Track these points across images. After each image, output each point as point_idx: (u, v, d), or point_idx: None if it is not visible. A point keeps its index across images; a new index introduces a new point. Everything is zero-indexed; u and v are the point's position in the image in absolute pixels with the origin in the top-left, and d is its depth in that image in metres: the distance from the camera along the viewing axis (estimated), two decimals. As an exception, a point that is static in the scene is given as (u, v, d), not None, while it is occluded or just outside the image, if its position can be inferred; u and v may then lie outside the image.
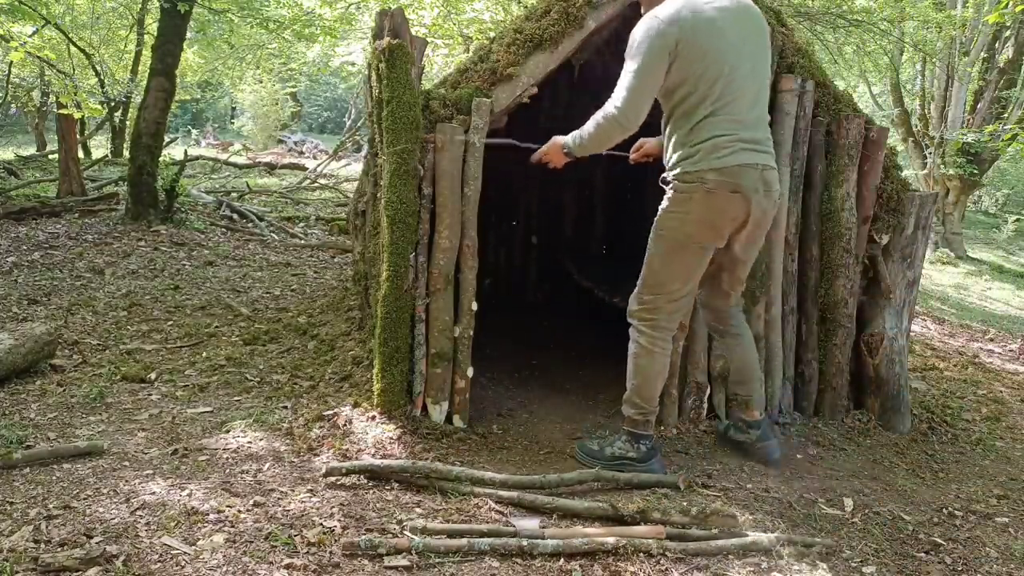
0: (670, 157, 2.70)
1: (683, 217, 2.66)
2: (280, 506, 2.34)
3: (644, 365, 2.81)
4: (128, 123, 13.13)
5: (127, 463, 2.62)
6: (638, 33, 2.57)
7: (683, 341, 3.35)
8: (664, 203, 2.72)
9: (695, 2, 2.57)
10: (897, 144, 12.82)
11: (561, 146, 2.86)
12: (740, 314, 3.04)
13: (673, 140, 2.68)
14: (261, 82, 19.92)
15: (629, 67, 2.58)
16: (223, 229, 7.54)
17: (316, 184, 11.89)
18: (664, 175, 2.73)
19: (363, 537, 2.16)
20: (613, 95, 2.62)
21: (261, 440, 2.86)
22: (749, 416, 3.03)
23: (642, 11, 2.71)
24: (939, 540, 2.52)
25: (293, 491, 2.45)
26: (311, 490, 2.47)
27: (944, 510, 2.77)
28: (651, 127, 2.77)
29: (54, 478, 2.46)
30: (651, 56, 2.54)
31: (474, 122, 3.09)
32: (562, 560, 2.16)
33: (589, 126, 2.71)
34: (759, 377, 3.03)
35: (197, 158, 13.34)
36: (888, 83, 13.29)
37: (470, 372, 3.15)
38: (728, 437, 3.13)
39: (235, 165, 14.06)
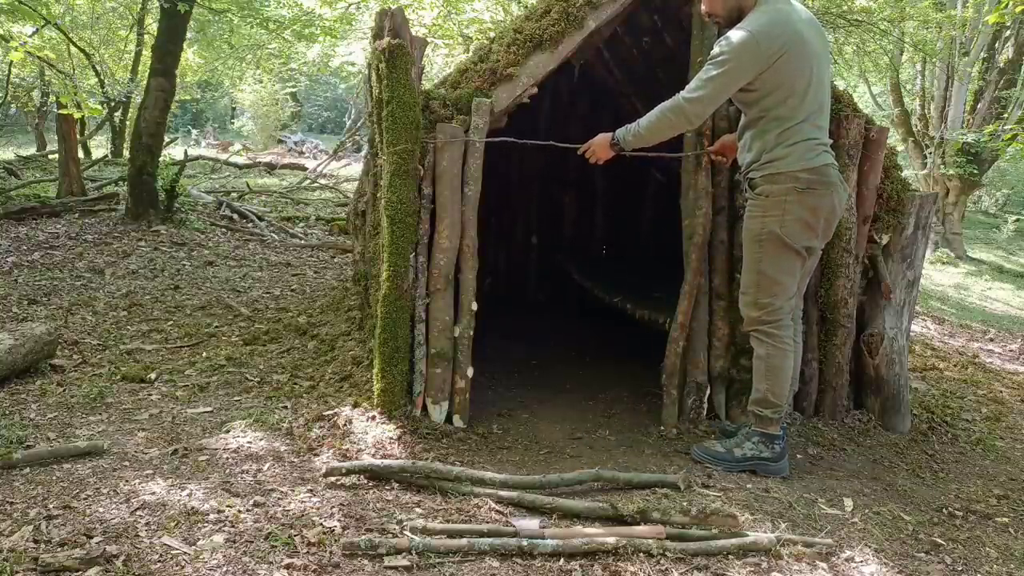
0: (757, 157, 2.80)
1: (781, 218, 2.78)
2: (280, 506, 2.34)
3: (778, 365, 2.87)
4: (128, 123, 13.13)
5: (127, 463, 2.62)
6: (733, 41, 2.67)
7: (683, 341, 3.36)
8: (754, 209, 2.83)
9: (787, 16, 2.72)
10: (897, 144, 12.82)
11: (610, 139, 2.94)
12: (799, 320, 3.14)
13: (762, 141, 2.80)
14: (261, 82, 19.93)
15: (715, 70, 2.69)
16: (223, 229, 7.54)
17: (316, 184, 11.89)
18: (750, 175, 2.84)
19: (363, 537, 2.16)
20: (686, 90, 2.74)
21: (261, 440, 2.86)
22: (770, 429, 3.01)
23: (719, 19, 2.85)
24: (939, 540, 2.52)
25: (293, 491, 2.45)
26: (311, 490, 2.47)
27: (944, 510, 2.77)
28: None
29: (54, 478, 2.46)
30: (740, 67, 2.67)
31: (474, 122, 3.09)
32: (562, 560, 2.16)
33: (651, 116, 2.81)
34: (794, 389, 3.10)
35: (197, 158, 13.34)
36: (888, 83, 13.28)
37: (470, 372, 3.15)
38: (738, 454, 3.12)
39: (235, 165, 14.06)
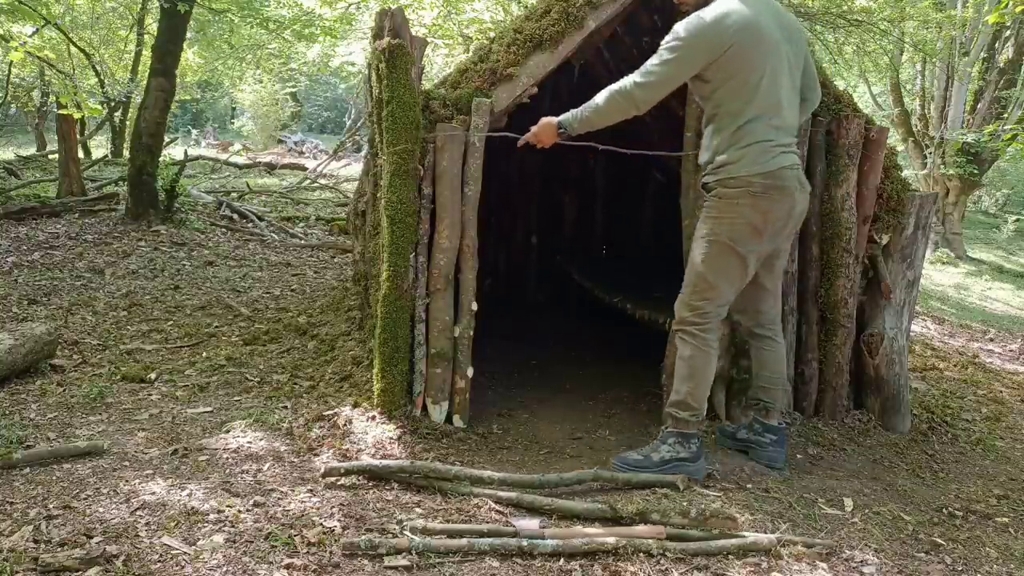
0: (712, 158, 2.75)
1: (732, 222, 2.71)
2: (280, 506, 2.34)
3: (701, 367, 2.82)
4: (128, 123, 13.13)
5: (127, 463, 2.62)
6: (681, 29, 2.62)
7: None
8: (709, 210, 2.77)
9: (746, 7, 2.64)
10: (897, 144, 12.82)
11: (555, 125, 2.85)
12: (779, 319, 3.06)
13: (716, 141, 2.73)
14: (261, 82, 19.93)
15: (664, 56, 2.63)
16: (223, 229, 7.54)
17: (316, 184, 11.90)
18: (705, 179, 2.78)
19: (363, 537, 2.16)
20: (636, 74, 2.67)
21: (261, 440, 2.86)
22: (769, 421, 3.01)
23: (688, 7, 2.76)
24: (939, 540, 2.52)
25: (293, 491, 2.45)
26: (311, 490, 2.47)
27: (944, 510, 2.77)
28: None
29: (54, 478, 2.46)
30: (690, 54, 2.61)
31: (474, 122, 3.09)
32: (562, 560, 2.16)
33: (598, 100, 2.74)
34: (786, 387, 3.06)
35: (197, 158, 13.34)
36: (888, 83, 13.28)
37: (470, 372, 3.15)
38: (736, 438, 3.10)
39: (235, 165, 14.07)
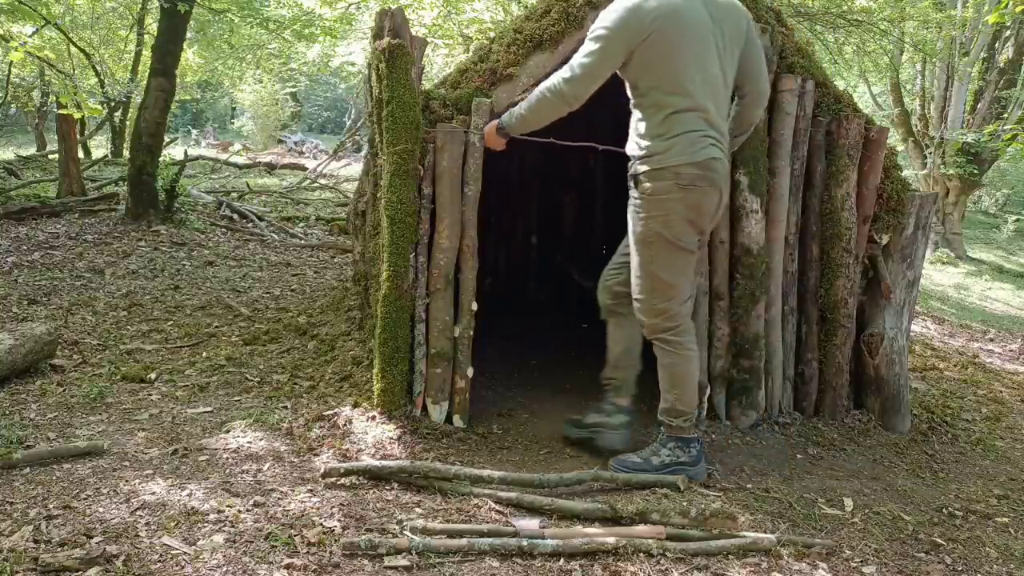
0: (640, 148, 2.65)
1: (666, 218, 2.64)
2: (280, 506, 2.34)
3: (683, 373, 2.77)
4: (128, 123, 13.14)
5: (127, 463, 2.62)
6: (603, 18, 2.57)
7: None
8: (638, 209, 2.68)
9: None
10: (897, 144, 12.82)
11: (496, 127, 2.83)
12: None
13: (643, 130, 2.65)
14: (261, 82, 19.94)
15: (588, 48, 2.58)
16: (223, 229, 7.54)
17: (316, 184, 11.90)
18: (633, 170, 2.68)
19: (363, 537, 2.16)
20: (563, 70, 2.62)
21: (261, 440, 2.86)
22: (620, 401, 2.97)
23: None
24: (939, 540, 2.52)
25: (293, 491, 2.45)
26: (311, 490, 2.47)
27: (944, 510, 2.77)
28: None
29: (54, 478, 2.46)
30: (614, 41, 2.54)
31: (474, 122, 3.08)
32: (562, 560, 2.16)
33: (532, 98, 2.69)
34: (637, 367, 2.98)
35: (197, 158, 13.34)
36: (888, 83, 13.29)
37: (470, 372, 3.15)
38: (585, 424, 3.03)
39: (235, 165, 14.07)
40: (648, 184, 2.63)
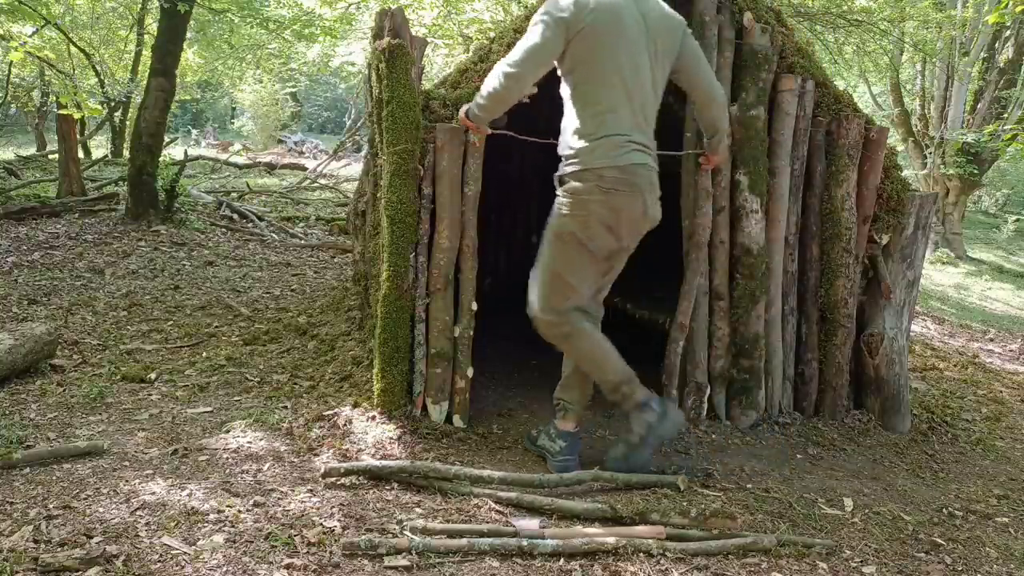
0: (568, 148, 2.64)
1: (584, 219, 2.62)
2: (280, 506, 2.34)
3: (589, 348, 2.74)
4: (128, 123, 13.14)
5: (127, 463, 2.62)
6: (547, 4, 2.58)
7: (683, 341, 3.36)
8: (561, 205, 2.66)
9: None
10: (897, 144, 12.82)
11: (464, 113, 2.82)
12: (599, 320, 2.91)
13: (571, 130, 2.64)
14: (261, 82, 19.94)
15: (529, 31, 2.59)
16: (223, 229, 7.54)
17: (316, 184, 11.90)
18: (560, 170, 2.67)
19: (363, 537, 2.16)
20: (509, 55, 2.63)
21: (261, 440, 2.86)
22: (564, 425, 2.87)
23: None
24: (939, 540, 2.52)
25: (293, 491, 2.45)
26: (311, 490, 2.47)
27: (944, 510, 2.77)
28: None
29: (54, 478, 2.46)
30: (550, 28, 2.54)
31: (474, 122, 3.08)
32: (562, 560, 2.16)
33: (486, 84, 2.69)
34: (589, 390, 2.90)
35: (197, 158, 13.34)
36: (888, 83, 13.29)
37: (470, 372, 3.15)
38: (537, 443, 2.95)
39: (235, 165, 14.07)
40: (572, 184, 2.62)
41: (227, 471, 2.59)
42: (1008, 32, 11.86)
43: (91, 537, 2.08)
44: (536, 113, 3.09)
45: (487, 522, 2.35)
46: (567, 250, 2.67)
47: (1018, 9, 5.95)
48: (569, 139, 2.64)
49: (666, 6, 2.72)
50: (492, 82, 2.64)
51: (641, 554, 2.20)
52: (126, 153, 10.72)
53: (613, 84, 2.56)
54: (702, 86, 2.81)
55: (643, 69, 2.60)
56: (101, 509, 2.25)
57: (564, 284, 2.70)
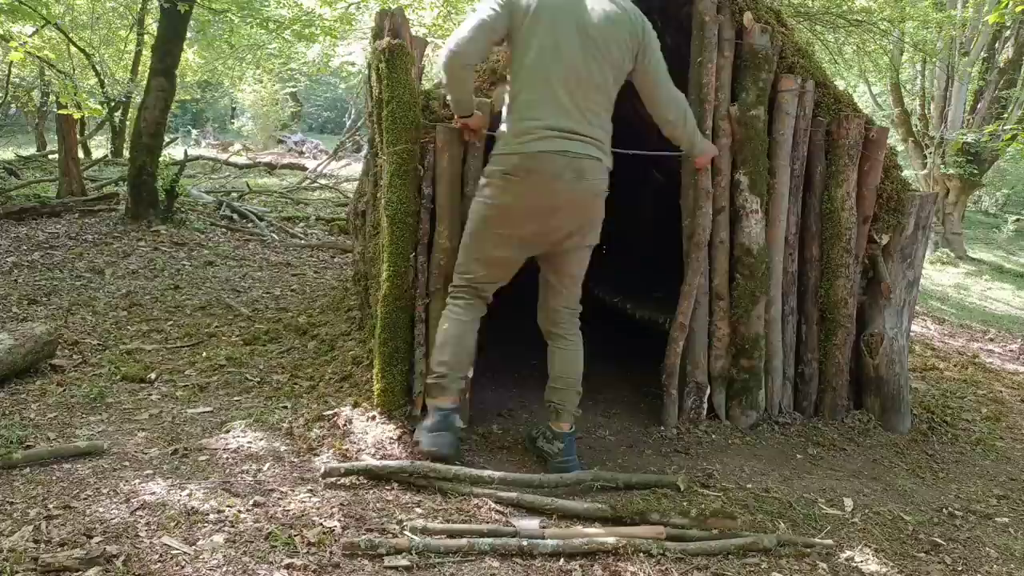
0: (497, 131, 2.69)
1: (486, 202, 2.66)
2: (280, 506, 2.34)
3: (447, 340, 2.77)
4: (128, 123, 13.13)
5: (127, 463, 2.62)
6: None
7: (683, 341, 3.36)
8: (479, 183, 2.73)
9: None
10: (897, 144, 12.82)
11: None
12: (572, 320, 2.91)
13: (503, 114, 2.68)
14: (261, 82, 19.92)
15: (475, 9, 2.62)
16: (223, 229, 7.54)
17: (316, 184, 11.89)
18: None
19: (363, 537, 2.16)
20: (453, 35, 2.65)
21: (261, 440, 2.86)
22: (557, 427, 2.86)
23: None
24: (939, 540, 2.53)
25: (293, 491, 2.45)
26: (311, 490, 2.47)
27: (944, 510, 2.77)
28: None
29: (54, 478, 2.46)
30: (492, 9, 2.57)
31: (474, 122, 3.08)
32: (562, 560, 2.16)
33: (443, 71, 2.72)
34: (577, 390, 2.89)
35: (197, 158, 13.34)
36: (888, 83, 13.28)
37: (470, 372, 3.15)
38: (536, 445, 2.94)
39: (235, 165, 14.06)
40: (487, 167, 2.69)
41: (227, 471, 2.59)
42: (1008, 32, 11.86)
43: (91, 537, 2.08)
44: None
45: (487, 522, 2.35)
46: (475, 229, 2.74)
47: (1018, 9, 5.95)
48: (500, 122, 2.69)
49: (623, 3, 2.67)
50: (445, 68, 2.66)
51: (641, 554, 2.20)
52: (126, 153, 10.71)
53: (538, 72, 2.56)
54: (655, 103, 2.79)
55: (577, 59, 2.56)
56: (101, 509, 2.25)
57: (468, 257, 2.77)
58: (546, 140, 2.55)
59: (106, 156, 13.38)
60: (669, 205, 3.85)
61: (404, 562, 2.07)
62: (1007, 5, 6.20)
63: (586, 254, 2.85)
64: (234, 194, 10.08)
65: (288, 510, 2.32)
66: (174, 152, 12.78)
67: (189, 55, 12.78)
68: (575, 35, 2.56)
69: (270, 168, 14.13)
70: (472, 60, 2.63)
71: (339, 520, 2.27)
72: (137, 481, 2.45)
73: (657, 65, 2.74)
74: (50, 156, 12.18)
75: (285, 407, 3.21)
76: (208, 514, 2.25)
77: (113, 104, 12.59)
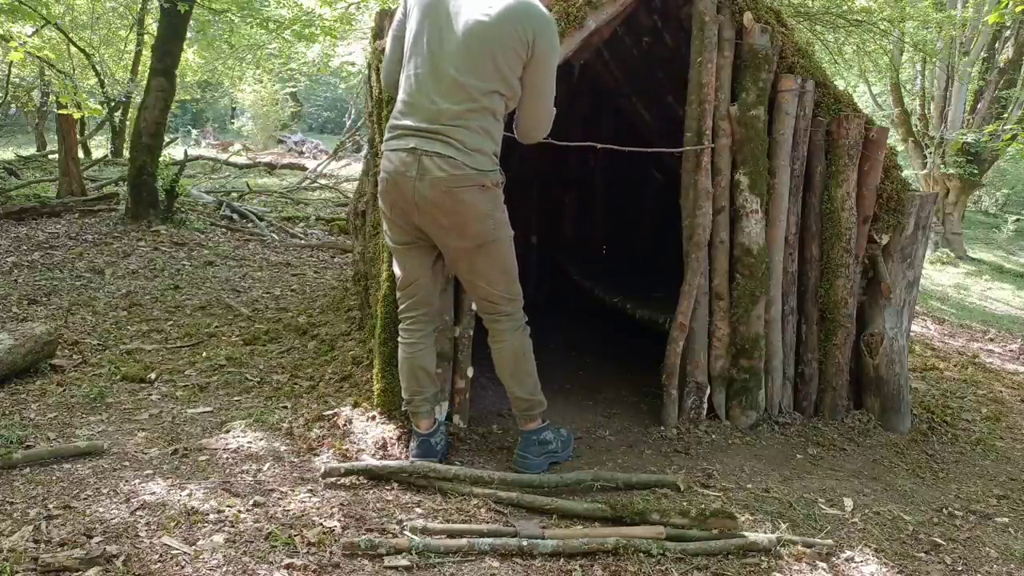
0: None
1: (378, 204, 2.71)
2: (280, 506, 2.34)
3: (400, 357, 2.78)
4: (128, 123, 13.13)
5: (127, 463, 2.62)
6: None
7: (683, 341, 3.36)
8: None
9: None
10: (897, 144, 12.82)
11: None
12: (496, 320, 2.77)
13: None
14: (261, 82, 19.91)
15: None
16: (223, 229, 7.54)
17: (316, 184, 11.89)
18: None
19: (363, 537, 2.16)
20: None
21: (261, 440, 2.86)
22: (531, 425, 2.86)
23: None
24: (939, 540, 2.52)
25: (293, 491, 2.45)
26: (311, 490, 2.47)
27: (944, 510, 2.77)
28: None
29: (54, 478, 2.46)
30: (399, 11, 2.61)
31: (474, 122, 3.07)
32: (562, 560, 2.16)
33: None
34: (516, 393, 2.83)
35: (197, 158, 13.34)
36: (888, 83, 13.28)
37: (470, 372, 3.15)
38: (538, 459, 2.85)
39: (235, 165, 14.06)
40: None
41: (227, 471, 2.59)
42: (1008, 32, 11.85)
43: (91, 537, 2.08)
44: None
45: (487, 522, 2.35)
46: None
47: (1018, 9, 5.95)
48: None
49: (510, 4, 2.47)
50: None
51: (641, 554, 2.20)
52: (126, 153, 10.71)
53: (409, 70, 2.55)
54: (522, 113, 2.69)
55: (442, 57, 2.47)
56: (101, 509, 2.25)
57: (395, 268, 2.77)
58: (397, 139, 2.55)
59: (106, 156, 13.38)
60: (669, 205, 3.86)
61: (404, 562, 2.07)
62: (1007, 5, 6.20)
63: (480, 258, 2.67)
64: (234, 194, 10.08)
65: (288, 510, 2.32)
66: (174, 152, 12.78)
67: (189, 55, 12.77)
68: (452, 34, 2.46)
69: (270, 168, 14.13)
70: (390, 63, 2.68)
71: (339, 520, 2.27)
72: (137, 481, 2.45)
73: (536, 78, 2.56)
74: (50, 156, 12.18)
75: (285, 407, 3.21)
76: (208, 514, 2.25)
77: (113, 104, 12.59)
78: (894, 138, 11.87)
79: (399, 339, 2.80)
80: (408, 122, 2.52)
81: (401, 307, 2.80)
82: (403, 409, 2.86)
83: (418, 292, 2.75)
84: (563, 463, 2.91)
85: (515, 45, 2.46)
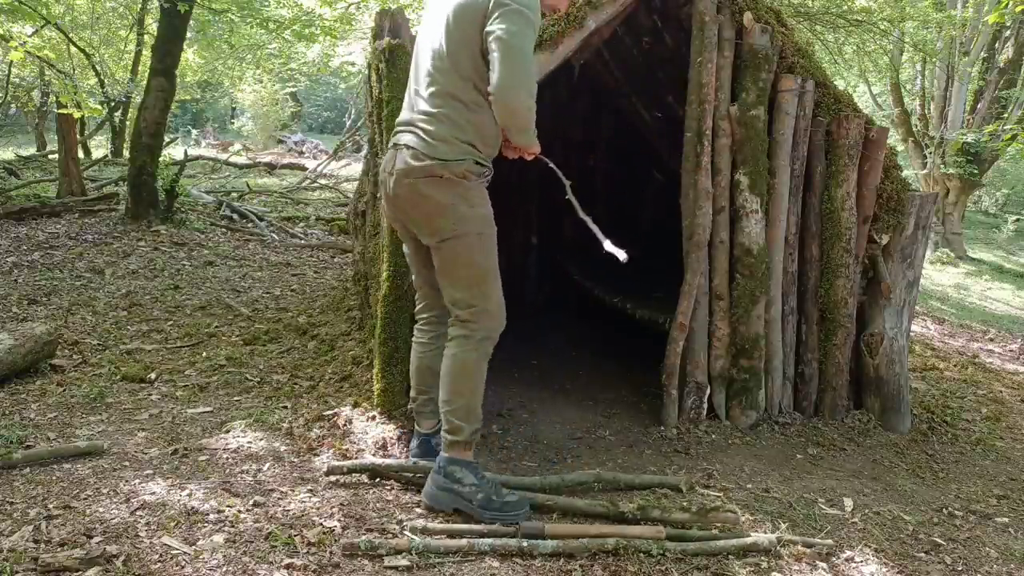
0: None
1: None
2: (280, 506, 2.34)
3: (411, 358, 2.76)
4: (128, 123, 13.12)
5: (127, 463, 2.62)
6: None
7: (683, 341, 3.36)
8: None
9: None
10: (897, 144, 12.81)
11: None
12: (456, 323, 2.54)
13: None
14: (261, 82, 19.91)
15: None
16: (223, 229, 7.54)
17: (316, 184, 11.89)
18: None
19: (363, 537, 2.16)
20: None
21: (261, 440, 2.86)
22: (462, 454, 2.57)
23: None
24: (939, 540, 2.52)
25: (293, 491, 2.45)
26: (311, 490, 2.47)
27: (944, 510, 2.77)
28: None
29: (54, 478, 2.46)
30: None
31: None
32: (562, 560, 2.16)
33: None
34: (443, 397, 2.54)
35: (197, 158, 13.34)
36: (888, 83, 13.28)
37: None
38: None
39: (235, 165, 14.06)
40: None
41: (227, 471, 2.59)
42: (1008, 32, 11.85)
43: (91, 537, 2.08)
44: (537, 112, 3.07)
45: (487, 522, 2.34)
46: None
47: (1018, 9, 5.95)
48: None
49: None
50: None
51: (641, 554, 2.20)
52: (126, 153, 10.71)
53: (414, 71, 2.55)
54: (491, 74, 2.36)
55: (426, 51, 2.46)
56: (101, 509, 2.25)
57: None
58: (392, 137, 2.55)
59: (106, 156, 13.38)
60: (669, 205, 3.86)
61: (404, 562, 2.07)
62: (1007, 5, 6.20)
63: (441, 255, 2.48)
64: (234, 194, 10.08)
65: (288, 510, 2.32)
66: (174, 152, 12.78)
67: (189, 55, 12.77)
68: (433, 27, 2.45)
69: (270, 168, 14.12)
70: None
71: (339, 520, 2.27)
72: (137, 481, 2.45)
73: (495, 39, 2.29)
74: (50, 156, 12.18)
75: (285, 407, 3.21)
76: (208, 514, 2.25)
77: (113, 104, 12.59)
78: (894, 138, 11.87)
79: (413, 338, 2.79)
80: (409, 119, 2.51)
81: (415, 308, 2.80)
82: (409, 408, 2.86)
83: (423, 292, 2.75)
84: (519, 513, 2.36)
85: (475, 17, 2.34)
